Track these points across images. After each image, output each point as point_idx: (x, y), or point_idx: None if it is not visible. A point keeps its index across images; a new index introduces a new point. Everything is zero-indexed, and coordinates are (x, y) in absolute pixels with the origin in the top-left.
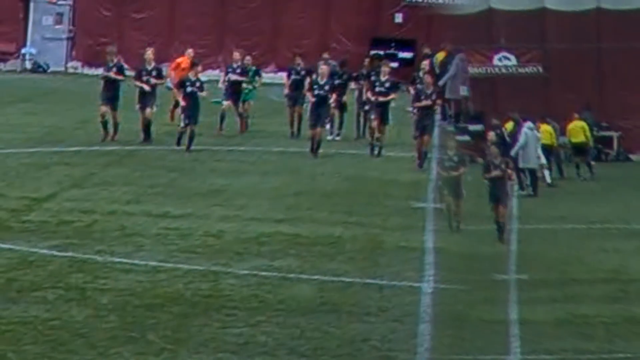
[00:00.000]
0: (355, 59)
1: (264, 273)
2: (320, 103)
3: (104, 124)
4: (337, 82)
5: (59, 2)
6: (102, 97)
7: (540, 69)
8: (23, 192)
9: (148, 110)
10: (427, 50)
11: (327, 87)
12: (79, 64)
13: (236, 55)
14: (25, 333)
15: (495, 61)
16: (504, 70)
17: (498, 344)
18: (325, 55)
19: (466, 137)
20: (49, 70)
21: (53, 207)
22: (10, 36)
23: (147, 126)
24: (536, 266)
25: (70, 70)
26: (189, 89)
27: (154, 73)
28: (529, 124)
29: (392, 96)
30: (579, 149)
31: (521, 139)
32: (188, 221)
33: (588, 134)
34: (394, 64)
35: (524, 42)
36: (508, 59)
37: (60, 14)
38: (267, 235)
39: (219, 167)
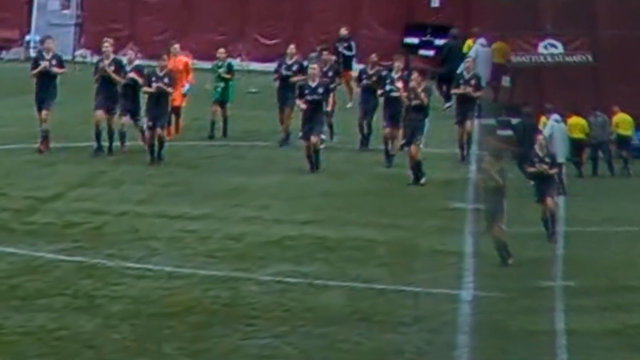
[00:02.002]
0: (387, 47)
1: (288, 279)
2: (314, 109)
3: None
4: (331, 86)
5: None
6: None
7: (590, 58)
8: (27, 192)
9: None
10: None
11: (320, 90)
12: (87, 52)
13: (291, 49)
14: (29, 344)
15: (541, 49)
16: (549, 59)
17: (543, 356)
18: (317, 48)
19: (509, 132)
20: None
21: (59, 208)
22: (14, 22)
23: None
24: (584, 272)
25: (78, 59)
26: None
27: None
28: (555, 116)
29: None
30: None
31: (546, 131)
32: (206, 223)
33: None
34: (430, 52)
35: (571, 28)
36: (554, 46)
37: None
38: (292, 239)
39: (240, 165)
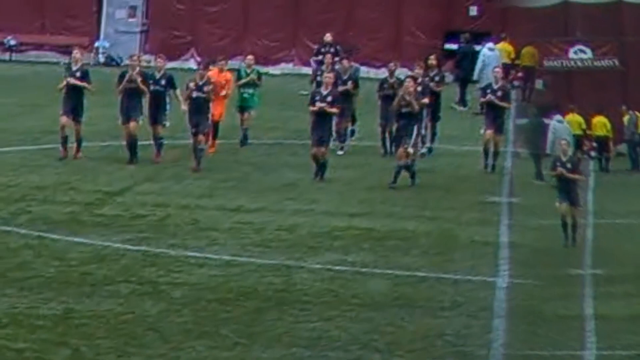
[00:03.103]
0: (428, 53)
1: (337, 267)
2: (324, 117)
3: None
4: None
5: None
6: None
7: (617, 63)
8: (96, 186)
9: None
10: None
11: (329, 99)
12: (151, 57)
13: (328, 58)
14: (98, 327)
15: (571, 54)
16: (579, 64)
17: (573, 340)
18: (328, 58)
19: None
20: (122, 64)
21: (126, 201)
22: (84, 30)
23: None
24: (611, 261)
25: (143, 64)
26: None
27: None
28: (557, 116)
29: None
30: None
31: (550, 133)
32: (261, 215)
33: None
34: None
35: (600, 35)
36: (584, 52)
37: (134, 7)
38: (340, 230)
39: (292, 162)
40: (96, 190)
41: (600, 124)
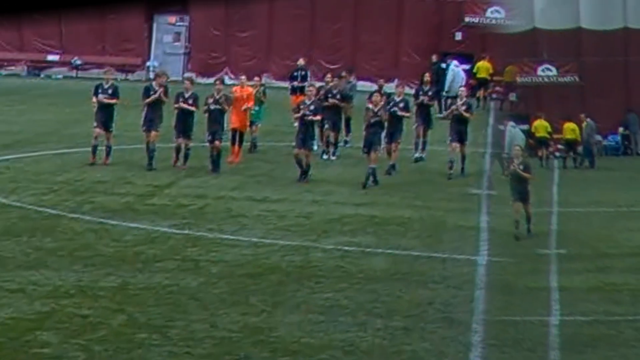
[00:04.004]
0: (421, 70)
1: (346, 248)
2: (306, 124)
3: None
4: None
5: (178, 24)
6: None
7: (577, 79)
8: (147, 181)
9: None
10: (434, 59)
11: (312, 108)
12: (193, 74)
13: (328, 78)
14: (149, 297)
15: (539, 72)
16: (546, 80)
17: (541, 307)
18: (328, 78)
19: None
20: (169, 80)
21: (172, 193)
22: (137, 51)
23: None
24: (573, 243)
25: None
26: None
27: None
28: (511, 123)
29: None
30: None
31: (507, 136)
32: (283, 204)
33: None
34: None
35: (563, 55)
36: (550, 70)
37: (178, 33)
38: (349, 217)
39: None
40: (147, 184)
41: (569, 129)
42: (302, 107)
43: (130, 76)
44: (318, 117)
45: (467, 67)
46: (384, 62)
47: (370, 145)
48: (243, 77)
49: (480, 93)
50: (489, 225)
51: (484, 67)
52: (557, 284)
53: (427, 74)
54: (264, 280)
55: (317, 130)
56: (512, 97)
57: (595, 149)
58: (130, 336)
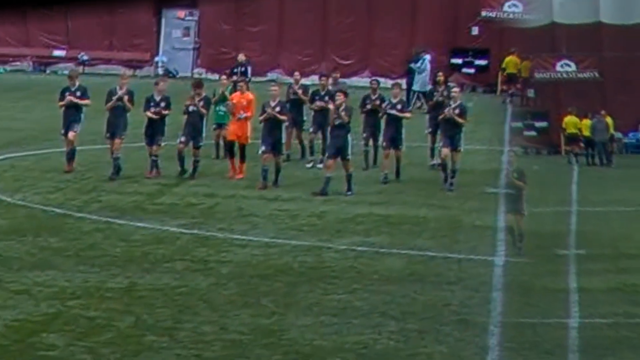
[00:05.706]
0: (436, 66)
1: (360, 248)
2: (273, 125)
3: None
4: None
5: (187, 18)
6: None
7: (597, 74)
8: (156, 179)
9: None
10: (417, 49)
11: (277, 109)
12: (203, 70)
13: (296, 75)
14: (157, 298)
15: (558, 67)
16: (565, 76)
17: (560, 309)
18: (297, 75)
19: (533, 133)
20: (177, 76)
21: (181, 192)
22: (146, 47)
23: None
24: (592, 243)
25: (196, 76)
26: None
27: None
28: None
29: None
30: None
31: None
32: (295, 204)
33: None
34: (471, 70)
35: (582, 50)
36: (569, 65)
37: (188, 28)
38: (363, 216)
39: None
40: (156, 183)
41: (586, 126)
42: (266, 107)
43: (138, 72)
44: (284, 117)
45: (483, 62)
46: (398, 58)
47: (337, 150)
48: (243, 83)
49: (511, 87)
50: (506, 225)
51: (512, 62)
52: (576, 285)
53: (440, 74)
54: (276, 281)
55: (284, 133)
56: (530, 93)
57: (609, 146)
58: (138, 338)
